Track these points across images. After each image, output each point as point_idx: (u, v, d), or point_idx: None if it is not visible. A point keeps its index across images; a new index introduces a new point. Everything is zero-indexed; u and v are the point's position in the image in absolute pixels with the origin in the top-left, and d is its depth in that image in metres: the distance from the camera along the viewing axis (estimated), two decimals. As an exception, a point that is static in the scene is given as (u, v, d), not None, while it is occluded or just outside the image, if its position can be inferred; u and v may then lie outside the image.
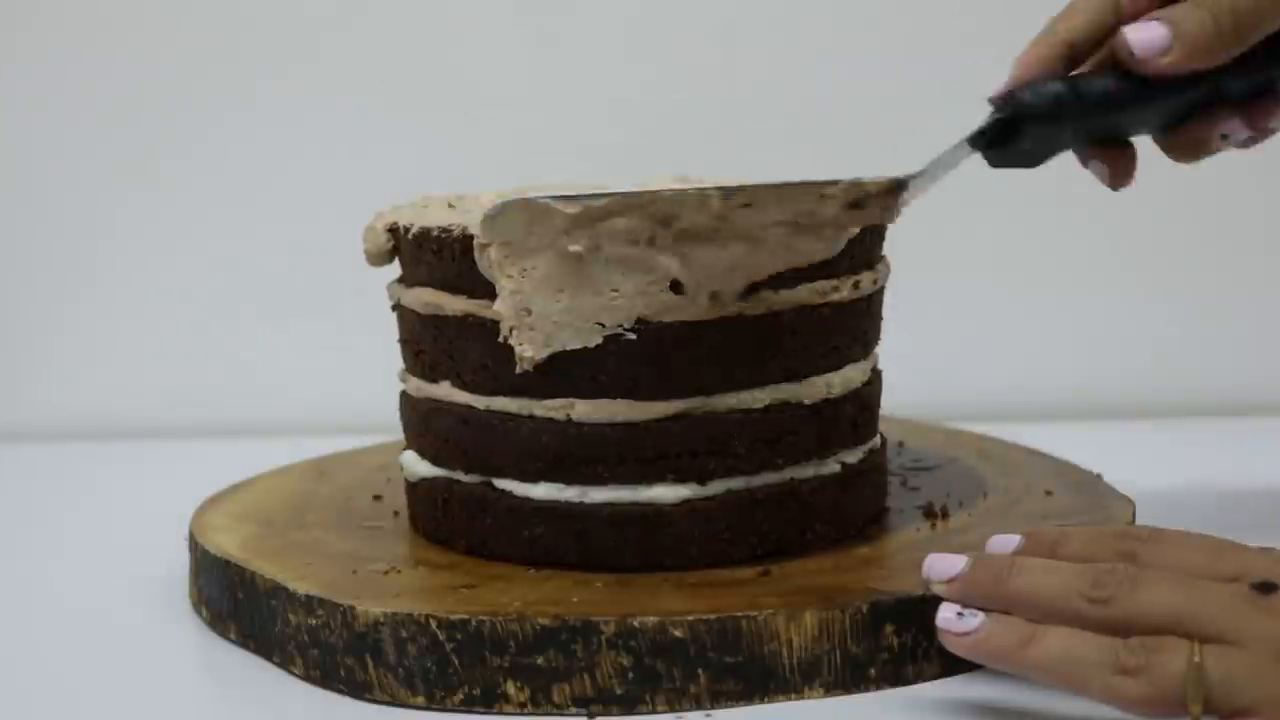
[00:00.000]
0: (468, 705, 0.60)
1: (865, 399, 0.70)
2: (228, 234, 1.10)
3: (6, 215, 1.10)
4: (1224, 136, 0.69)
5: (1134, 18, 0.67)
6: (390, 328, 0.72)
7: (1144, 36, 0.66)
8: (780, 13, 1.08)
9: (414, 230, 0.68)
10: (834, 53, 1.08)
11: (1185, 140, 0.70)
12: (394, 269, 0.72)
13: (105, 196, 1.09)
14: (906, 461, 0.81)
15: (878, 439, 0.73)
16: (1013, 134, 0.68)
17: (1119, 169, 0.70)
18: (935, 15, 1.08)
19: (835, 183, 0.65)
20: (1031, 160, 0.69)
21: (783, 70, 1.08)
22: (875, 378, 0.72)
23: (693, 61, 1.08)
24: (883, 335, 0.73)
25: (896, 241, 0.73)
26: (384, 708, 0.61)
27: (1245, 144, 0.71)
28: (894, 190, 0.66)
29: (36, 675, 0.66)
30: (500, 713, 0.60)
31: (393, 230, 0.70)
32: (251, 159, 1.09)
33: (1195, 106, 0.69)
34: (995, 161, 0.69)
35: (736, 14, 1.08)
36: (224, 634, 0.68)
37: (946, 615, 0.57)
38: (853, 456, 0.70)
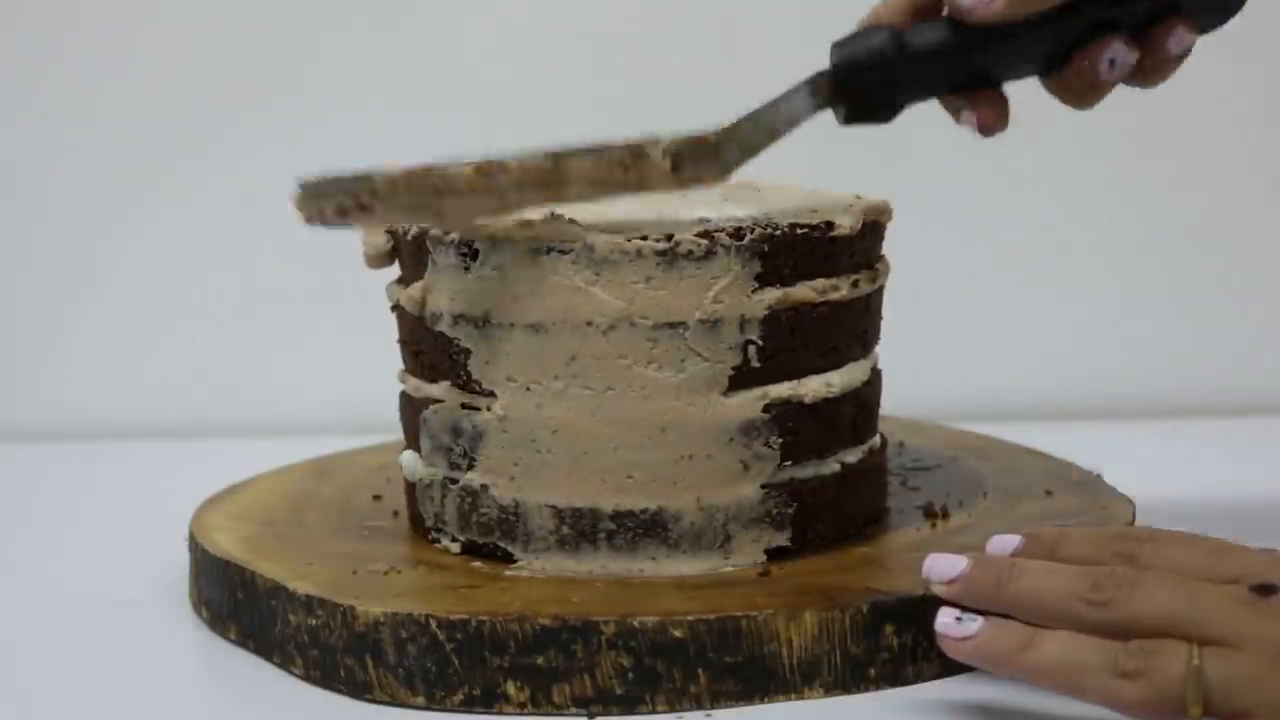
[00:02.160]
0: (468, 705, 0.60)
1: (865, 398, 0.70)
2: (228, 234, 1.10)
3: (7, 216, 1.10)
4: (1111, 63, 0.65)
5: None
6: (390, 328, 0.72)
7: None
8: (780, 10, 1.08)
9: (412, 231, 0.68)
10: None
11: (1072, 78, 0.66)
12: (394, 270, 0.72)
13: (106, 197, 1.09)
14: (906, 461, 0.81)
15: (878, 439, 0.73)
16: (859, 84, 0.65)
17: (988, 116, 0.66)
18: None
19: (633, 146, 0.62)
20: (878, 114, 0.66)
21: (783, 70, 1.08)
22: (875, 377, 0.72)
23: (693, 61, 1.08)
24: (882, 335, 0.73)
25: (897, 241, 0.73)
26: (384, 708, 0.61)
27: (1144, 78, 0.67)
28: (694, 153, 0.62)
29: (37, 675, 0.66)
30: (500, 713, 0.60)
31: (391, 232, 0.70)
32: (251, 159, 1.09)
33: (1072, 42, 0.65)
34: (843, 117, 0.67)
35: (735, 13, 1.08)
36: (224, 634, 0.68)
37: (945, 621, 0.57)
38: (852, 456, 0.70)
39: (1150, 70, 0.67)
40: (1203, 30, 0.67)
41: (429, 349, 0.69)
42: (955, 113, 0.68)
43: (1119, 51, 0.65)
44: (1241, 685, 0.51)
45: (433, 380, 0.69)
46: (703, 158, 0.63)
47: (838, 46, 0.66)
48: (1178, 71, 0.68)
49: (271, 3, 1.09)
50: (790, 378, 0.66)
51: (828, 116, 0.67)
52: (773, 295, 0.65)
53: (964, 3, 0.64)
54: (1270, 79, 1.08)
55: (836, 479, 0.68)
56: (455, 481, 0.68)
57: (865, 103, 0.66)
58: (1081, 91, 0.67)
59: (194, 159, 1.09)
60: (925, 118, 1.09)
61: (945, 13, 0.66)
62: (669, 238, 0.64)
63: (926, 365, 1.02)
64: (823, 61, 0.66)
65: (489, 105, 1.09)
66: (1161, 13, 0.65)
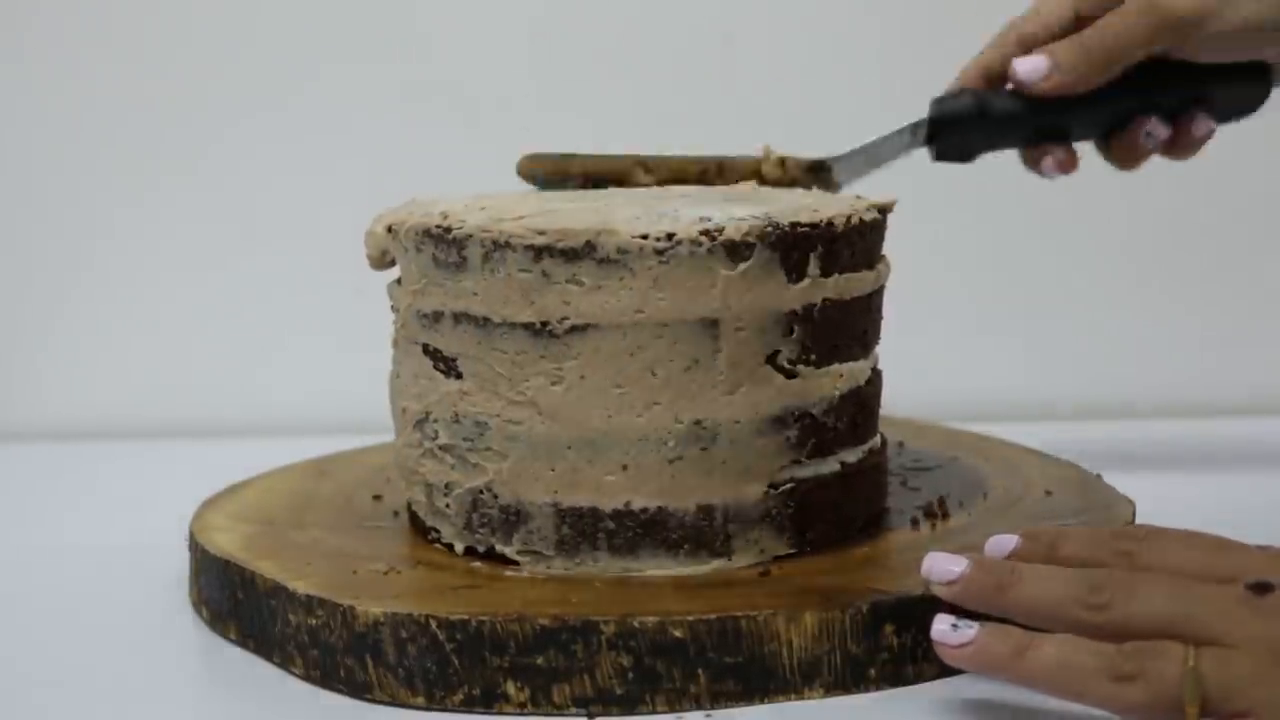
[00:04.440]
0: (468, 705, 0.60)
1: (865, 398, 0.70)
2: (228, 234, 1.10)
3: (7, 216, 1.11)
4: (1148, 135, 0.82)
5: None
6: (390, 327, 0.72)
7: (1027, 67, 0.81)
8: (780, 13, 1.08)
9: (415, 231, 0.68)
10: (834, 53, 1.09)
11: (1119, 146, 0.84)
12: (396, 270, 0.72)
13: (106, 197, 1.10)
14: (906, 461, 0.81)
15: (878, 439, 0.73)
16: (948, 133, 0.83)
17: (1060, 161, 0.83)
18: (936, 14, 1.08)
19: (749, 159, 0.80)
20: (962, 157, 0.84)
21: (784, 73, 1.08)
22: (875, 377, 0.72)
23: (693, 63, 1.09)
24: (883, 335, 0.73)
25: (897, 241, 0.73)
26: (384, 708, 0.61)
27: (1174, 153, 0.85)
28: (814, 170, 0.81)
29: (37, 675, 0.66)
30: (500, 713, 0.60)
31: (392, 231, 0.70)
32: (251, 159, 1.09)
33: (1122, 118, 0.82)
34: (935, 155, 0.84)
35: (735, 15, 1.08)
36: (224, 634, 0.68)
37: (942, 628, 0.57)
38: (853, 456, 0.70)
39: (1179, 147, 0.84)
40: (1223, 120, 0.84)
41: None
42: (1033, 161, 0.84)
43: (1155, 128, 0.82)
44: (1239, 685, 0.51)
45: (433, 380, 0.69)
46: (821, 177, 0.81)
47: (935, 103, 0.83)
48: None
49: (270, 4, 1.09)
50: (790, 378, 0.66)
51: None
52: (775, 294, 0.65)
53: (1022, 78, 0.81)
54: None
55: (837, 479, 0.68)
56: (456, 481, 0.68)
57: (951, 149, 0.83)
58: (1125, 157, 0.84)
59: (194, 159, 1.09)
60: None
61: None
62: (670, 236, 0.64)
63: (926, 365, 1.03)
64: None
65: (489, 107, 1.09)
66: (1189, 106, 0.83)
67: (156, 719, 0.62)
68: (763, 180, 0.80)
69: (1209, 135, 0.84)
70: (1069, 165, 0.83)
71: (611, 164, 0.78)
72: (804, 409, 0.67)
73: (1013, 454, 0.83)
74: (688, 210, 0.66)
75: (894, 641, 0.61)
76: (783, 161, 0.80)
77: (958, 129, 0.82)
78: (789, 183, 0.80)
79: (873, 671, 0.61)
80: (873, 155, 0.82)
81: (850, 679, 0.61)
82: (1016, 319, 1.10)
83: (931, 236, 1.02)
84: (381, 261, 0.71)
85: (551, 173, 0.78)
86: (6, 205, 1.10)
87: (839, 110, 1.06)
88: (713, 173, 0.79)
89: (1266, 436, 1.01)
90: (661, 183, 0.78)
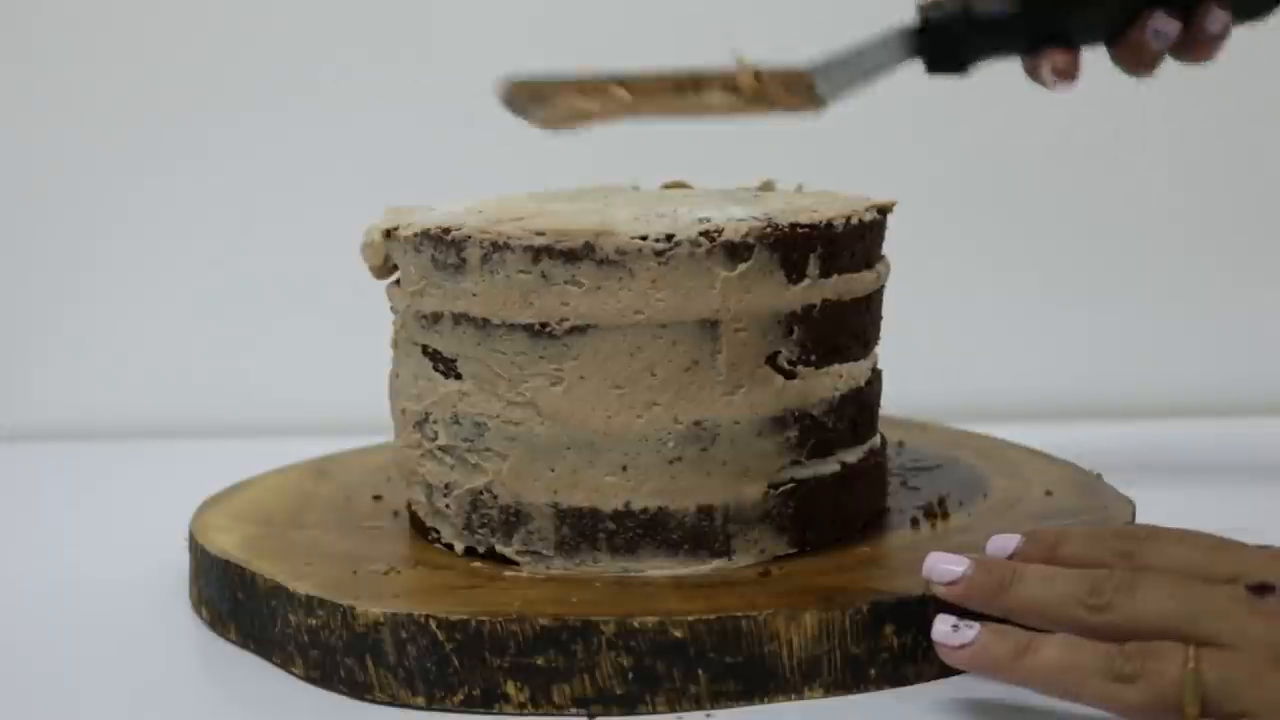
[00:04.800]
0: (468, 705, 0.60)
1: (865, 399, 0.70)
2: (228, 234, 1.10)
3: (6, 215, 1.11)
4: (1156, 33, 0.74)
5: None
6: (390, 327, 0.72)
7: None
8: (781, 13, 1.08)
9: (413, 232, 0.68)
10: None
11: (1125, 48, 0.75)
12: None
13: (106, 197, 1.10)
14: (906, 461, 0.81)
15: (878, 439, 0.73)
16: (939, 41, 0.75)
17: (1058, 64, 0.74)
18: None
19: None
20: (958, 67, 0.75)
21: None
22: (875, 377, 0.72)
23: (692, 62, 1.08)
24: (883, 335, 0.73)
25: (897, 241, 0.73)
26: (384, 708, 0.61)
27: (1189, 54, 0.76)
28: (794, 85, 0.72)
29: (37, 675, 0.66)
30: (500, 713, 0.60)
31: (391, 234, 0.70)
32: (251, 159, 1.09)
33: (1128, 14, 0.74)
34: (929, 67, 0.75)
35: (736, 15, 1.08)
36: (224, 634, 0.68)
37: (943, 629, 0.57)
38: (853, 456, 0.70)
39: (1193, 46, 0.75)
40: (1238, 18, 0.75)
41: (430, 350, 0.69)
42: (1033, 70, 0.75)
43: (1163, 23, 0.74)
44: (1238, 686, 0.51)
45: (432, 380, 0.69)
46: (802, 90, 0.72)
47: (922, 8, 0.75)
48: (1217, 57, 0.75)
49: (268, 4, 1.09)
50: (790, 378, 0.66)
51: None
52: (774, 295, 0.65)
53: None
54: (1266, 83, 1.08)
55: (836, 479, 0.68)
56: (456, 482, 0.68)
57: (944, 59, 0.75)
58: (1133, 60, 0.75)
59: (194, 159, 1.09)
60: (924, 118, 1.09)
61: None
62: (669, 237, 0.64)
63: (926, 365, 1.03)
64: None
65: (489, 107, 1.08)
66: None
67: (156, 719, 0.62)
68: (737, 91, 0.72)
69: (1224, 32, 0.74)
70: (1069, 72, 0.74)
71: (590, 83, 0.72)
72: (804, 409, 0.67)
73: (1013, 454, 0.83)
74: (687, 211, 0.67)
75: (894, 641, 0.61)
76: (758, 75, 0.72)
77: (948, 36, 0.74)
78: (768, 103, 0.72)
79: (873, 671, 0.61)
80: (858, 65, 0.73)
81: (850, 679, 0.61)
82: (1017, 318, 1.10)
83: (931, 236, 1.02)
84: (384, 271, 0.71)
85: (532, 96, 0.74)
86: (6, 205, 1.10)
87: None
88: (688, 87, 0.72)
89: (1267, 436, 1.01)
90: (636, 97, 0.72)
